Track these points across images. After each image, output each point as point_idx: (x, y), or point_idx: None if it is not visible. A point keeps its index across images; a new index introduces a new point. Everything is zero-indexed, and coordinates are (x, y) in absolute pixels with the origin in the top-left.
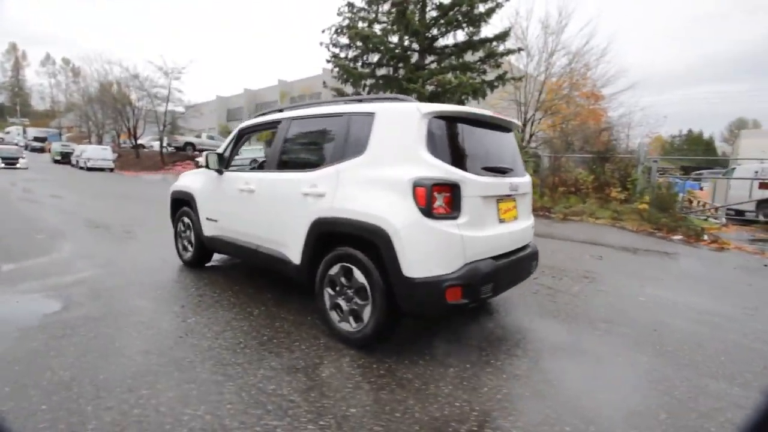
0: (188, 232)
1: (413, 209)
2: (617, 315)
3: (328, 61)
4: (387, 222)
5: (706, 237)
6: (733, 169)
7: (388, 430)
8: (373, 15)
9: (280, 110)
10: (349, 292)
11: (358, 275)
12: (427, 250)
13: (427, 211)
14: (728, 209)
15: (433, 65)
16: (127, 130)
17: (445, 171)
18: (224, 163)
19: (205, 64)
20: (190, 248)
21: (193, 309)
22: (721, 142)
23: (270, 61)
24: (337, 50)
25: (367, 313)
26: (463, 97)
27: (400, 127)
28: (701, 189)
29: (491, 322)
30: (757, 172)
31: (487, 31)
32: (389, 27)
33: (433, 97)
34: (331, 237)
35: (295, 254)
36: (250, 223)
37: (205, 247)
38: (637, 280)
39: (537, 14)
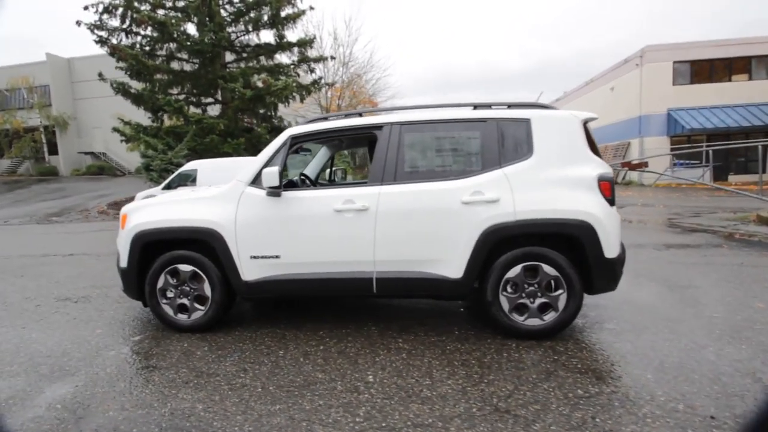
0: (190, 286)
1: (602, 201)
2: None
3: (112, 51)
4: (591, 215)
5: None
6: None
7: (659, 378)
8: None
9: (360, 114)
10: (532, 288)
11: (548, 270)
12: (616, 234)
13: (611, 201)
14: None
15: (234, 64)
16: None
17: (607, 167)
18: (282, 181)
19: None
20: (200, 307)
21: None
22: None
23: None
24: (103, 33)
25: (562, 302)
26: (272, 100)
27: (566, 131)
28: None
29: None
30: None
31: (292, 36)
32: (181, 16)
33: (255, 99)
34: (507, 241)
35: (453, 269)
36: (359, 249)
37: (232, 297)
38: None
39: (327, 27)
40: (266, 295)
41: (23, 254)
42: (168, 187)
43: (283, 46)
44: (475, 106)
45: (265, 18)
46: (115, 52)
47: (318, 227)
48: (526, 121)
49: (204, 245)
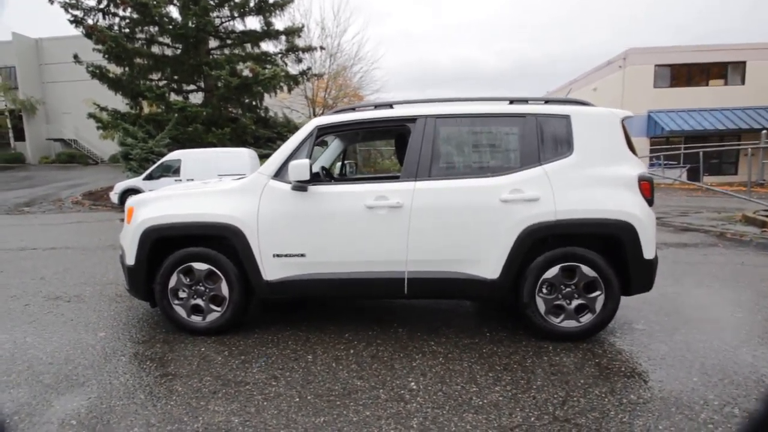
0: (206, 285)
1: (642, 201)
2: None
3: (89, 32)
4: (632, 215)
5: None
6: None
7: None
8: None
9: (390, 105)
10: (569, 290)
11: (587, 271)
12: (653, 234)
13: (651, 201)
14: None
15: (219, 51)
16: None
17: (644, 166)
18: (311, 174)
19: None
20: (216, 308)
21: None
22: None
23: None
24: (78, 13)
25: (599, 304)
26: (258, 89)
27: (607, 129)
28: None
29: None
30: None
31: (279, 24)
32: None
33: (241, 88)
34: (545, 241)
35: (490, 269)
36: (391, 248)
37: (250, 297)
38: None
39: (315, 16)
40: (289, 295)
41: None
42: (149, 177)
43: (270, 33)
44: (512, 101)
45: (252, 4)
46: (93, 33)
47: (347, 224)
48: (566, 118)
49: (221, 242)
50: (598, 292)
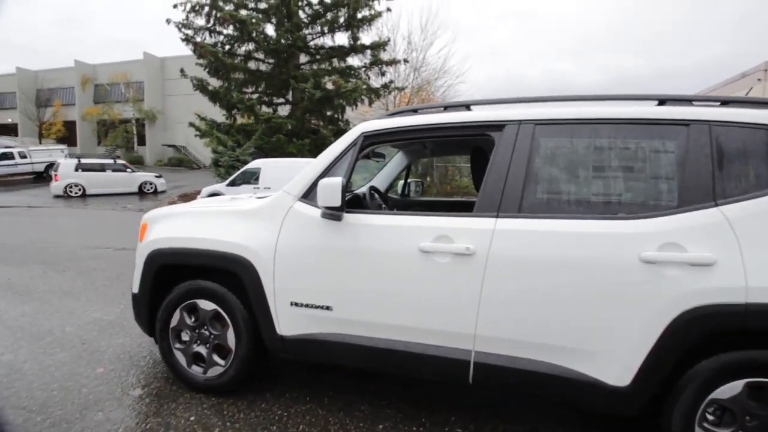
0: (210, 330)
1: None
2: None
3: (195, 48)
4: None
5: None
6: None
7: None
8: None
9: (467, 107)
10: (757, 423)
11: None
12: None
13: None
14: None
15: (307, 66)
16: None
17: None
18: (344, 198)
19: None
20: (219, 361)
21: None
22: None
23: (52, 36)
24: (190, 32)
25: None
26: (340, 102)
27: None
28: None
29: None
30: None
31: (366, 38)
32: (261, 17)
33: (323, 100)
34: (720, 337)
35: (614, 371)
36: (453, 314)
37: (263, 354)
38: None
39: (402, 30)
40: (308, 357)
41: (79, 243)
42: (232, 183)
43: (356, 48)
44: (662, 101)
45: (341, 20)
46: (197, 49)
47: (392, 273)
48: (763, 129)
49: (232, 278)
50: None
